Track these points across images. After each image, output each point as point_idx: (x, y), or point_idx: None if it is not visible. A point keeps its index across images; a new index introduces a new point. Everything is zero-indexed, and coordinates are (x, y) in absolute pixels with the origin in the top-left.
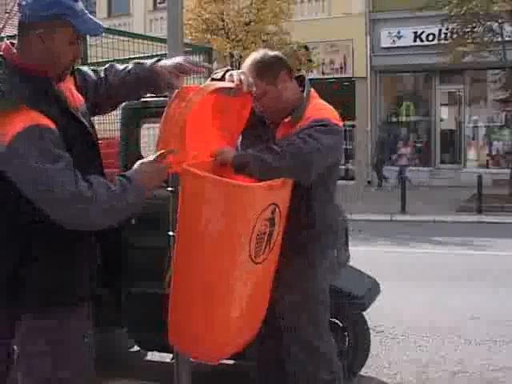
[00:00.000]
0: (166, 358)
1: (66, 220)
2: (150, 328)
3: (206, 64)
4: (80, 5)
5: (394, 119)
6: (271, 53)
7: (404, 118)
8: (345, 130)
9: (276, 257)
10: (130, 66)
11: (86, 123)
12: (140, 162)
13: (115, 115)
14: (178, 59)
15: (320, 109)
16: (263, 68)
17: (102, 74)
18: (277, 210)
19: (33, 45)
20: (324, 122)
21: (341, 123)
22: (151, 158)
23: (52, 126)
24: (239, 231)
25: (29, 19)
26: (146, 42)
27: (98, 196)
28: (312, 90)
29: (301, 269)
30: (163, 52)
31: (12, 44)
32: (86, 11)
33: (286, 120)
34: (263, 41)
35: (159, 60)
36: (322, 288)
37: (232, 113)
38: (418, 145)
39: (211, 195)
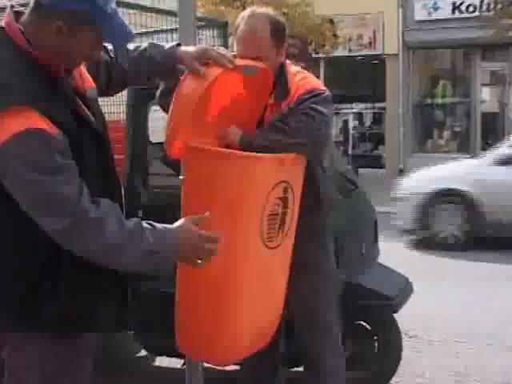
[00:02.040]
0: (177, 363)
1: (63, 239)
2: (160, 330)
3: (231, 53)
4: (113, 5)
5: (429, 101)
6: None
7: (440, 100)
8: (374, 113)
9: (291, 244)
10: (144, 46)
11: (100, 129)
12: (188, 218)
13: (121, 95)
14: (203, 46)
15: (304, 78)
16: (277, 29)
17: (112, 54)
18: (289, 189)
19: (47, 33)
20: (317, 91)
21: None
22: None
23: (56, 130)
24: (250, 208)
25: (52, 7)
26: (154, 14)
27: (104, 221)
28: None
29: (312, 251)
30: (173, 27)
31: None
32: (118, 11)
33: (271, 101)
34: (284, 13)
35: (179, 44)
36: (331, 266)
37: (250, 93)
38: (456, 129)
39: (221, 170)
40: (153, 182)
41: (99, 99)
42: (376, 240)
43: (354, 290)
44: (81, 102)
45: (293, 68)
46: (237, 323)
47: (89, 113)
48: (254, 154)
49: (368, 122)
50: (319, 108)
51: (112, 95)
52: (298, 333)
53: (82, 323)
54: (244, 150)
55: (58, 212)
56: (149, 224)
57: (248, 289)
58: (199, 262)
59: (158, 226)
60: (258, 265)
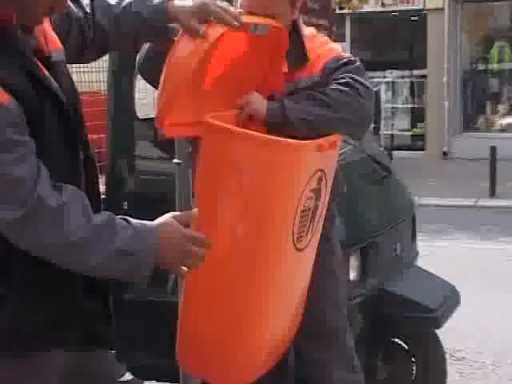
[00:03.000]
0: None
1: (12, 232)
2: (149, 348)
3: (237, 10)
4: None
5: (482, 66)
6: None
7: (495, 66)
8: (412, 83)
9: (316, 243)
10: (129, 0)
11: (69, 100)
12: (171, 214)
13: (101, 60)
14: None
15: (324, 43)
16: None
17: (88, 10)
18: (324, 179)
19: None
20: (346, 59)
21: None
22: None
23: (8, 97)
24: (285, 204)
25: None
26: None
27: (67, 211)
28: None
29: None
30: None
31: None
32: None
33: (285, 70)
34: None
35: None
36: (339, 262)
37: (261, 58)
38: None
39: (246, 158)
40: (140, 167)
41: (76, 66)
42: (414, 238)
43: (386, 300)
44: (43, 68)
45: (307, 29)
46: (259, 334)
47: (53, 80)
48: (297, 141)
49: (405, 93)
50: (358, 78)
51: (89, 61)
52: (297, 342)
53: (40, 339)
54: (272, 125)
55: (8, 198)
56: (123, 219)
57: (274, 295)
58: (184, 268)
59: (134, 221)
60: (286, 269)
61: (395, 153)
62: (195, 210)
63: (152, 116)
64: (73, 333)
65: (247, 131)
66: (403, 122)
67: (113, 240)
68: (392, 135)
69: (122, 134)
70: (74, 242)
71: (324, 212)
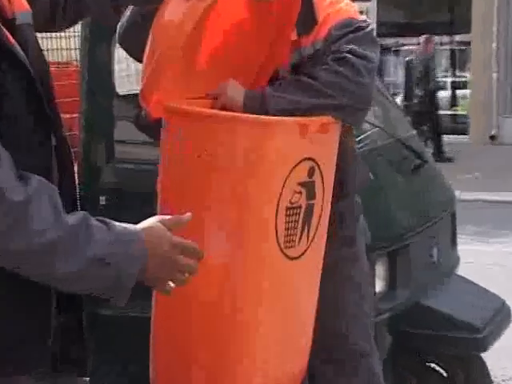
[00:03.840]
0: None
1: None
2: (129, 374)
3: None
4: None
5: None
6: None
7: None
8: (452, 51)
9: (321, 254)
10: None
11: (36, 71)
12: (158, 218)
13: None
14: None
15: (335, 2)
16: None
17: None
18: (316, 171)
19: None
20: (356, 23)
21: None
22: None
23: None
24: (260, 196)
25: None
26: None
27: (32, 207)
28: None
29: (333, 250)
30: None
31: None
32: None
33: (294, 38)
34: None
35: None
36: (365, 270)
37: (265, 25)
38: None
39: (216, 141)
40: (121, 154)
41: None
42: (454, 241)
43: (419, 317)
44: (6, 32)
45: None
46: (249, 364)
47: (18, 47)
48: (267, 117)
49: (444, 64)
50: (359, 50)
51: (61, 29)
52: (314, 368)
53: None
54: None
55: None
56: (100, 221)
57: (263, 315)
58: (170, 284)
59: (114, 224)
60: (272, 282)
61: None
62: (188, 214)
63: (135, 92)
64: (40, 356)
65: (209, 110)
66: (441, 99)
67: (88, 245)
68: None
69: (99, 113)
70: (39, 246)
71: (326, 213)
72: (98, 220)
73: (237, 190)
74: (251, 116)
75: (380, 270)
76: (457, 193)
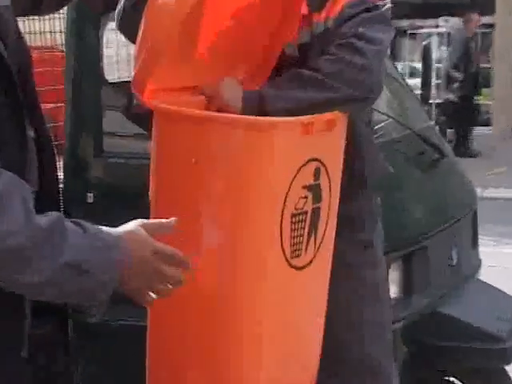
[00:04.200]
0: None
1: None
2: None
3: None
4: None
5: None
6: None
7: None
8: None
9: (329, 260)
10: None
11: (13, 58)
12: (139, 222)
13: None
14: None
15: None
16: None
17: None
18: (323, 172)
19: None
20: (373, 3)
21: None
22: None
23: None
24: (263, 204)
25: None
26: None
27: (2, 207)
28: None
29: (349, 252)
30: None
31: None
32: None
33: (304, 11)
34: None
35: None
36: (384, 277)
37: (270, 13)
38: None
39: (213, 146)
40: (110, 147)
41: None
42: (476, 242)
43: (438, 326)
44: None
45: None
46: (251, 379)
47: None
48: (266, 118)
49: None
50: (368, 33)
51: (48, 13)
52: (319, 379)
53: None
54: None
55: None
56: (75, 223)
57: (262, 334)
58: (151, 295)
59: (90, 227)
60: (277, 296)
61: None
62: (172, 218)
63: (126, 79)
64: (17, 369)
65: (192, 111)
66: (462, 86)
67: (61, 250)
68: (447, 104)
69: (86, 102)
70: (6, 249)
71: (333, 215)
72: (73, 222)
73: (236, 198)
74: (249, 118)
75: (394, 274)
76: (478, 190)
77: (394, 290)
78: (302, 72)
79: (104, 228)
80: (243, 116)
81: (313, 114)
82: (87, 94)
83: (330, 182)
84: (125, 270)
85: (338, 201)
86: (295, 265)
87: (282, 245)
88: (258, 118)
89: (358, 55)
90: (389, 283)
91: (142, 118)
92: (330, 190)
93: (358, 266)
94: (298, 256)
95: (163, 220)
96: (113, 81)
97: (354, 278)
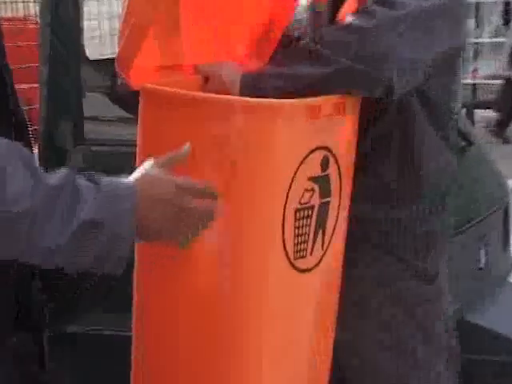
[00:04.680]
0: None
1: None
2: None
3: None
4: None
5: None
6: None
7: None
8: (506, 4)
9: (339, 263)
10: None
11: None
12: (152, 163)
13: None
14: None
15: None
16: None
17: None
18: (331, 161)
19: None
20: None
21: None
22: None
23: None
24: (264, 197)
25: None
26: None
27: (4, 172)
28: None
29: (405, 281)
30: None
31: None
32: None
33: None
34: None
35: None
36: (443, 310)
37: None
38: None
39: (200, 129)
40: (92, 134)
41: None
42: (507, 242)
43: (465, 336)
44: None
45: None
46: None
47: None
48: (267, 100)
49: (494, 21)
50: None
51: None
52: None
53: None
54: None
55: None
56: (85, 177)
57: (261, 346)
58: (185, 237)
59: (103, 180)
60: (278, 303)
61: (478, 112)
62: (186, 146)
63: (109, 56)
64: None
65: (184, 92)
66: (490, 65)
67: (75, 208)
68: (474, 85)
69: (64, 82)
70: (17, 215)
71: (344, 212)
72: (83, 177)
73: (232, 191)
74: (246, 100)
75: None
76: (510, 182)
77: None
78: (302, 44)
79: (116, 179)
80: (242, 98)
81: (317, 94)
82: (65, 73)
83: (340, 174)
84: (146, 216)
85: (349, 195)
86: (299, 267)
87: (283, 244)
88: (258, 99)
89: (366, 18)
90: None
91: (128, 101)
92: (341, 183)
93: (410, 302)
94: (302, 257)
95: (174, 152)
96: (94, 58)
97: (404, 314)
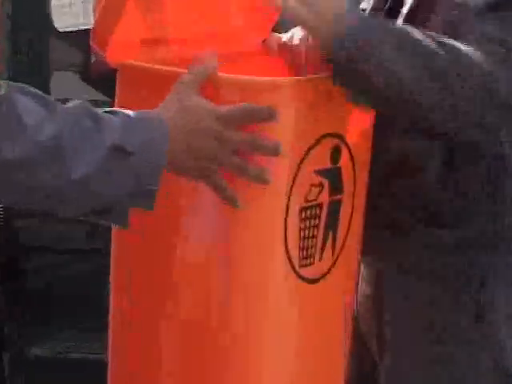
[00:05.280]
0: None
1: None
2: None
3: None
4: None
5: None
6: None
7: None
8: None
9: (353, 272)
10: None
11: None
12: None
13: None
14: None
15: None
16: None
17: None
18: (344, 151)
19: None
20: None
21: None
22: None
23: None
24: (258, 196)
25: None
26: None
27: (14, 103)
28: None
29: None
30: None
31: None
32: None
33: None
34: None
35: None
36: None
37: None
38: None
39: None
40: None
41: None
42: None
43: None
44: None
45: None
46: None
47: None
48: (269, 78)
49: None
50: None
51: None
52: None
53: None
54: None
55: None
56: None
57: (263, 366)
58: (222, 180)
59: (122, 110)
60: (282, 317)
61: None
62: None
63: (82, 28)
64: None
65: (172, 69)
66: None
67: (99, 133)
68: None
69: (27, 59)
70: (40, 148)
71: (359, 212)
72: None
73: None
74: (240, 77)
75: None
76: None
77: None
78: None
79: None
80: (235, 75)
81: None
82: (29, 47)
83: (354, 167)
84: (180, 147)
85: (365, 193)
86: (306, 276)
87: (287, 249)
88: (255, 77)
89: (488, 58)
90: None
91: (104, 80)
92: (355, 178)
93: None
94: (309, 265)
95: (200, 66)
96: (63, 30)
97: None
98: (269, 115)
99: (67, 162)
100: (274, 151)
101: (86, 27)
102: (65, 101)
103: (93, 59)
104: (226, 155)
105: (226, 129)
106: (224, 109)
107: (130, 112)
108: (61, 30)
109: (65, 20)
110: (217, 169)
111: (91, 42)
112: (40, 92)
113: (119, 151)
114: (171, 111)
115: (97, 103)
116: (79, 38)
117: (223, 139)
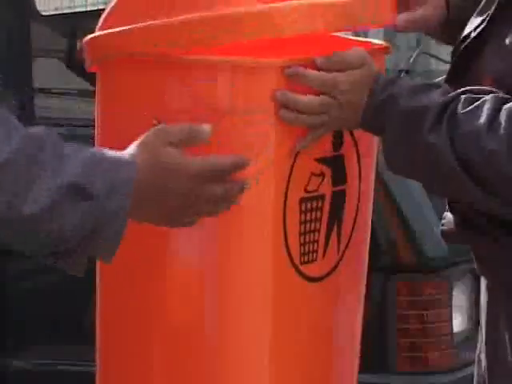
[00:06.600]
0: None
1: None
2: None
3: None
4: None
5: None
6: None
7: None
8: None
9: (362, 271)
10: None
11: None
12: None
13: None
14: None
15: None
16: None
17: None
18: (347, 138)
19: None
20: None
21: None
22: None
23: None
24: (253, 187)
25: None
26: None
27: None
28: None
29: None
30: None
31: None
32: None
33: None
34: None
35: None
36: None
37: None
38: None
39: (173, 96)
40: (44, 111)
41: None
42: None
43: None
44: None
45: None
46: None
47: None
48: (264, 59)
49: None
50: None
51: None
52: None
53: None
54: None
55: None
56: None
57: (263, 372)
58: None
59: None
60: (283, 319)
61: None
62: (206, 125)
63: (67, 11)
64: None
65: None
66: None
67: (58, 168)
68: None
69: (9, 45)
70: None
71: (367, 204)
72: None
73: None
74: (232, 58)
75: (460, 297)
76: None
77: (459, 320)
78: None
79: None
80: (228, 57)
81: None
82: (10, 32)
83: (358, 155)
84: (142, 187)
85: (372, 181)
86: (308, 274)
87: (286, 243)
88: (248, 58)
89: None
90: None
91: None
92: (360, 167)
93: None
94: (311, 261)
95: (190, 128)
96: (47, 13)
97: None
98: (239, 168)
99: (20, 193)
100: (240, 191)
101: (71, 10)
102: (48, 91)
103: (79, 45)
104: (195, 209)
105: (197, 186)
106: (195, 166)
107: (97, 150)
108: (44, 13)
109: (48, 3)
110: (186, 219)
111: (76, 28)
112: (6, 113)
113: (76, 191)
114: (144, 161)
115: (83, 93)
116: (63, 22)
117: (193, 196)
